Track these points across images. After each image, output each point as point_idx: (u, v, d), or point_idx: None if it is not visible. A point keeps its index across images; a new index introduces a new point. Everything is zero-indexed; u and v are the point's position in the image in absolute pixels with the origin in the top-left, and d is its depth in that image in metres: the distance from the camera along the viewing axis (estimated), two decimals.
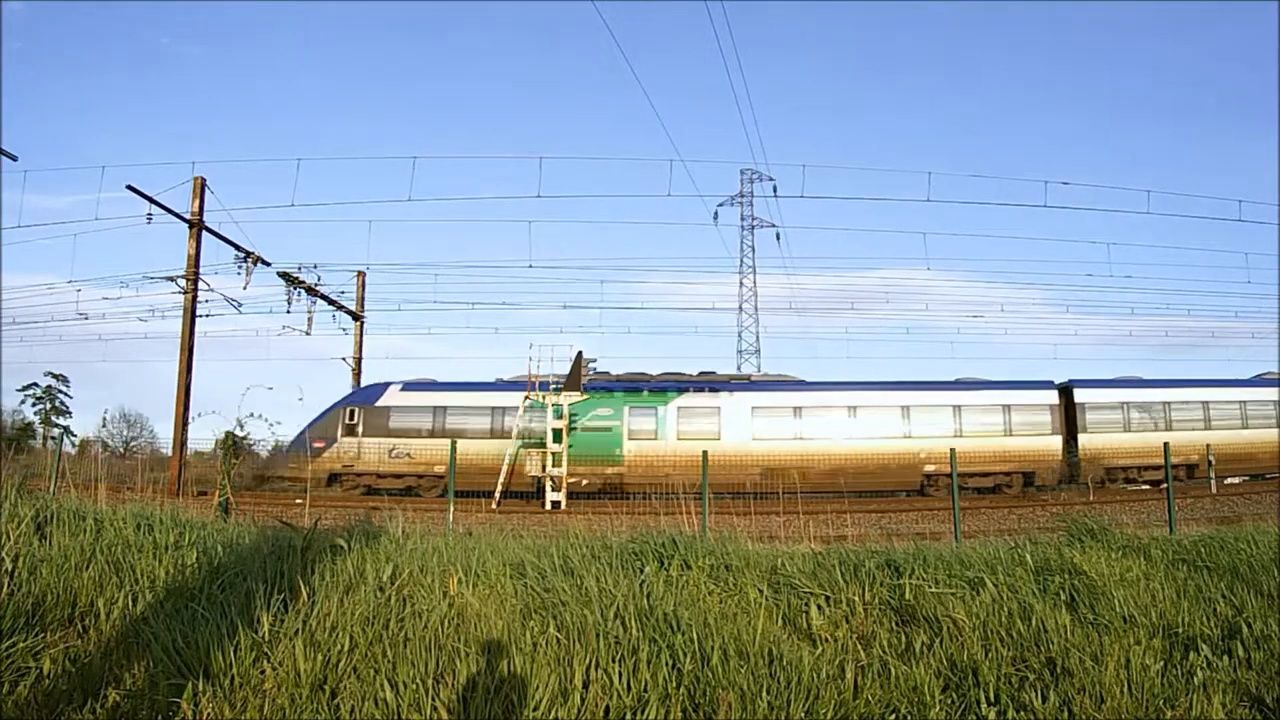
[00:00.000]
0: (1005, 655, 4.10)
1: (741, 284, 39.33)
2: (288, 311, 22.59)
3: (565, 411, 19.39)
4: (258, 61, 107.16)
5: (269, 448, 32.59)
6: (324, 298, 23.78)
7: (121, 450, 41.18)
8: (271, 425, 8.88)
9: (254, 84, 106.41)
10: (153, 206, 18.72)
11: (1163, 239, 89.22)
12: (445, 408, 20.92)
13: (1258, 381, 23.23)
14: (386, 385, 21.76)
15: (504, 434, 20.38)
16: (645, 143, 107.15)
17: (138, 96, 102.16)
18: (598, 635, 3.82)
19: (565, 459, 18.85)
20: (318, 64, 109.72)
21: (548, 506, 17.96)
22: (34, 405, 52.98)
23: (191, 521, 5.76)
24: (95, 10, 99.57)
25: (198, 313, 19.49)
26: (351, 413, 21.16)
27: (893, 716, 3.58)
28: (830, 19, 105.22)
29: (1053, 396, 21.81)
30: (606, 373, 22.21)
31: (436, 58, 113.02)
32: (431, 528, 6.90)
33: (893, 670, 3.87)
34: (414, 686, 3.37)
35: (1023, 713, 3.59)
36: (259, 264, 20.68)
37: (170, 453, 19.45)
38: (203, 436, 20.33)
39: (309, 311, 23.21)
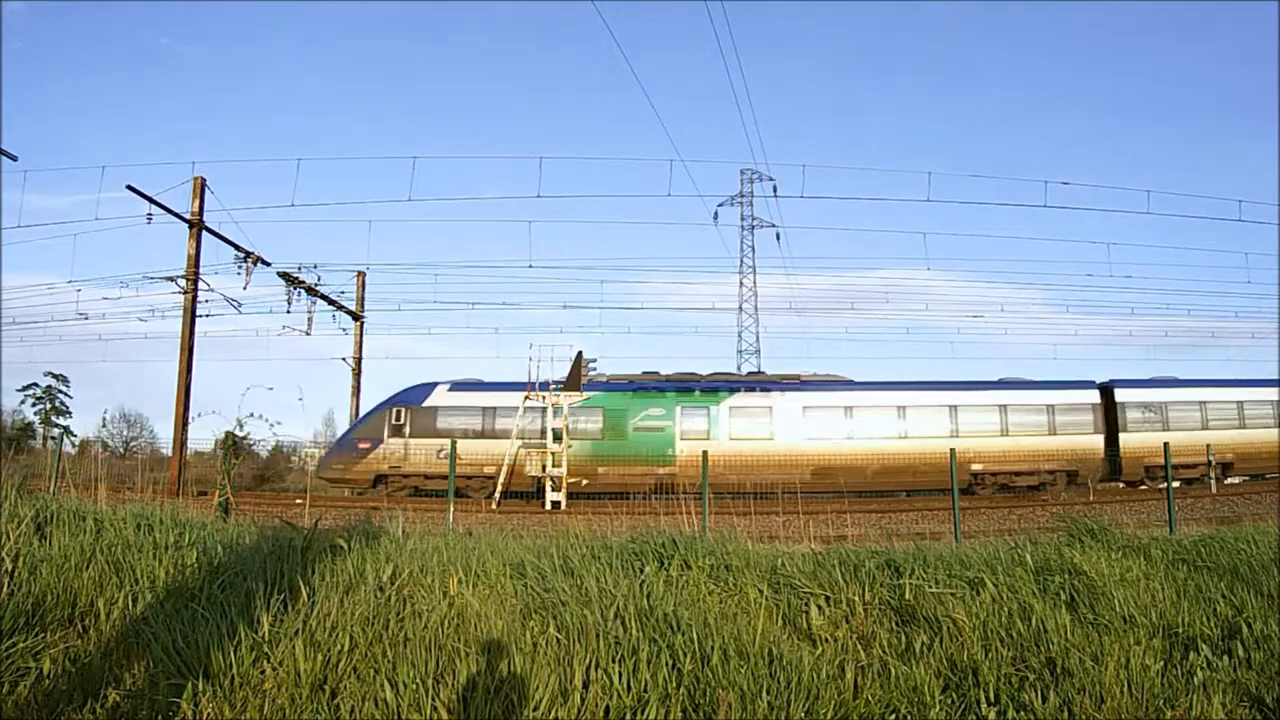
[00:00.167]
0: (1005, 655, 4.11)
1: (741, 284, 39.34)
2: (288, 311, 22.60)
3: (565, 411, 19.42)
4: (258, 61, 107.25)
5: (269, 448, 32.68)
6: (324, 298, 23.79)
7: (121, 450, 41.22)
8: (272, 425, 8.86)
9: (254, 84, 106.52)
10: (153, 206, 18.73)
11: (1163, 239, 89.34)
12: (495, 408, 20.70)
13: None
14: (433, 385, 21.51)
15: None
16: (645, 143, 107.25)
17: (138, 96, 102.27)
18: (598, 635, 3.82)
19: (565, 459, 18.86)
20: (318, 64, 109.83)
21: (548, 506, 17.97)
22: (34, 405, 53.02)
23: (191, 521, 5.75)
24: (95, 10, 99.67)
25: (198, 313, 19.50)
26: (398, 413, 20.96)
27: (893, 716, 3.58)
28: (830, 19, 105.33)
29: (1094, 396, 22.09)
30: (656, 372, 22.41)
31: (436, 58, 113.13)
32: (431, 528, 6.90)
33: (893, 670, 3.87)
34: (414, 686, 3.37)
35: (1023, 713, 3.59)
36: (259, 264, 20.69)
37: (170, 453, 19.46)
38: (203, 436, 20.40)
39: (309, 311, 23.24)
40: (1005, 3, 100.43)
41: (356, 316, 26.12)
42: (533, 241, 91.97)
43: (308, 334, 23.50)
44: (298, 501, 13.96)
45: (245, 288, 20.57)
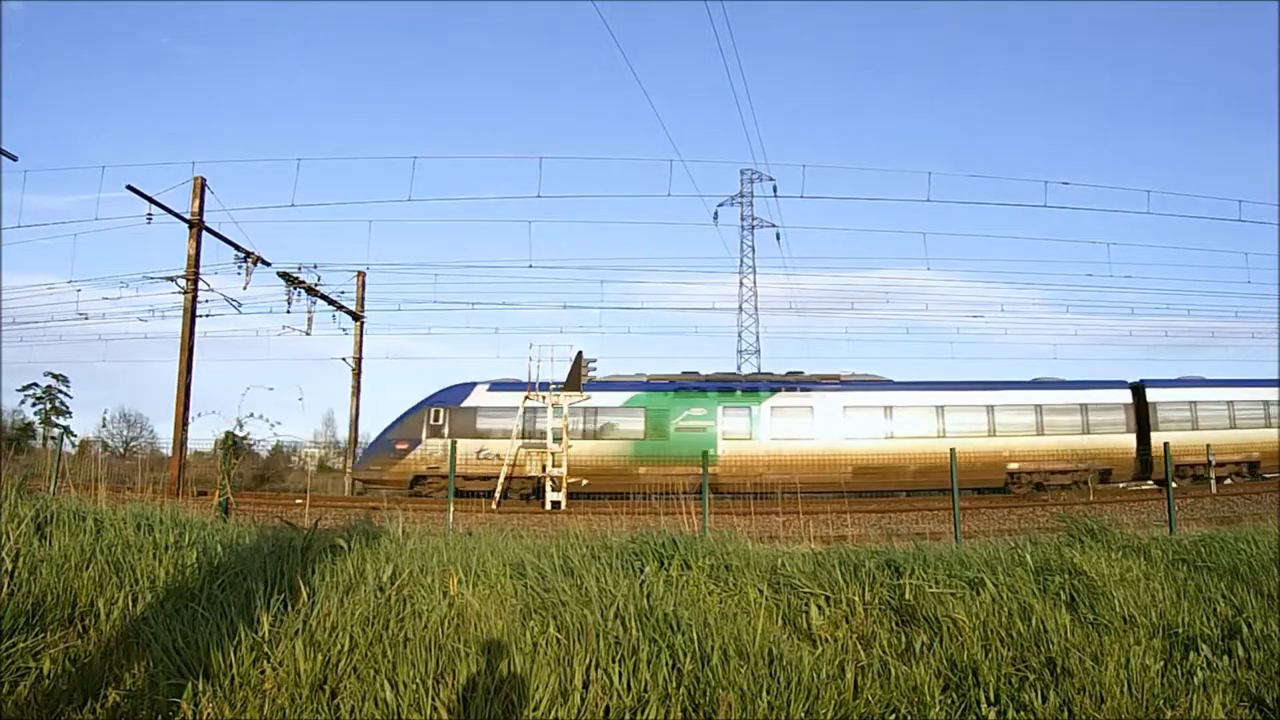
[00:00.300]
0: (1005, 655, 4.10)
1: (741, 284, 39.28)
2: (288, 311, 22.57)
3: (565, 412, 19.43)
4: (258, 61, 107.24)
5: (269, 448, 32.68)
6: (324, 298, 23.78)
7: (121, 450, 41.20)
8: (272, 425, 8.85)
9: (254, 84, 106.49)
10: (153, 206, 18.72)
11: (1163, 239, 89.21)
12: (535, 410, 20.66)
13: None
14: (472, 385, 21.47)
15: (597, 435, 20.56)
16: (645, 143, 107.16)
17: (138, 96, 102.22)
18: (598, 635, 3.82)
19: (565, 458, 18.87)
20: (318, 64, 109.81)
21: (548, 506, 17.97)
22: (34, 405, 53.00)
23: (191, 521, 5.75)
24: (95, 10, 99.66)
25: (198, 313, 19.49)
26: (437, 413, 20.92)
27: (893, 716, 3.58)
28: (830, 19, 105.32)
29: (1126, 396, 22.40)
30: (695, 372, 22.65)
31: (436, 58, 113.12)
32: (432, 528, 6.90)
33: (893, 670, 3.87)
34: (414, 686, 3.37)
35: (1023, 713, 3.59)
36: (259, 264, 20.67)
37: (170, 453, 19.46)
38: (203, 436, 20.43)
39: (309, 311, 23.21)
40: (1005, 3, 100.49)
41: (356, 316, 26.12)
42: (533, 241, 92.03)
43: (308, 334, 23.50)
44: (298, 501, 13.96)
45: (245, 288, 20.58)
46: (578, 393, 19.59)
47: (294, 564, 4.54)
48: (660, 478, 19.33)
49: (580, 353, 19.93)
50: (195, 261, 19.37)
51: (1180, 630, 4.48)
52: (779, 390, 21.69)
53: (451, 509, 10.62)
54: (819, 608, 4.69)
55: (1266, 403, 22.48)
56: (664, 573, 5.10)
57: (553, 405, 19.31)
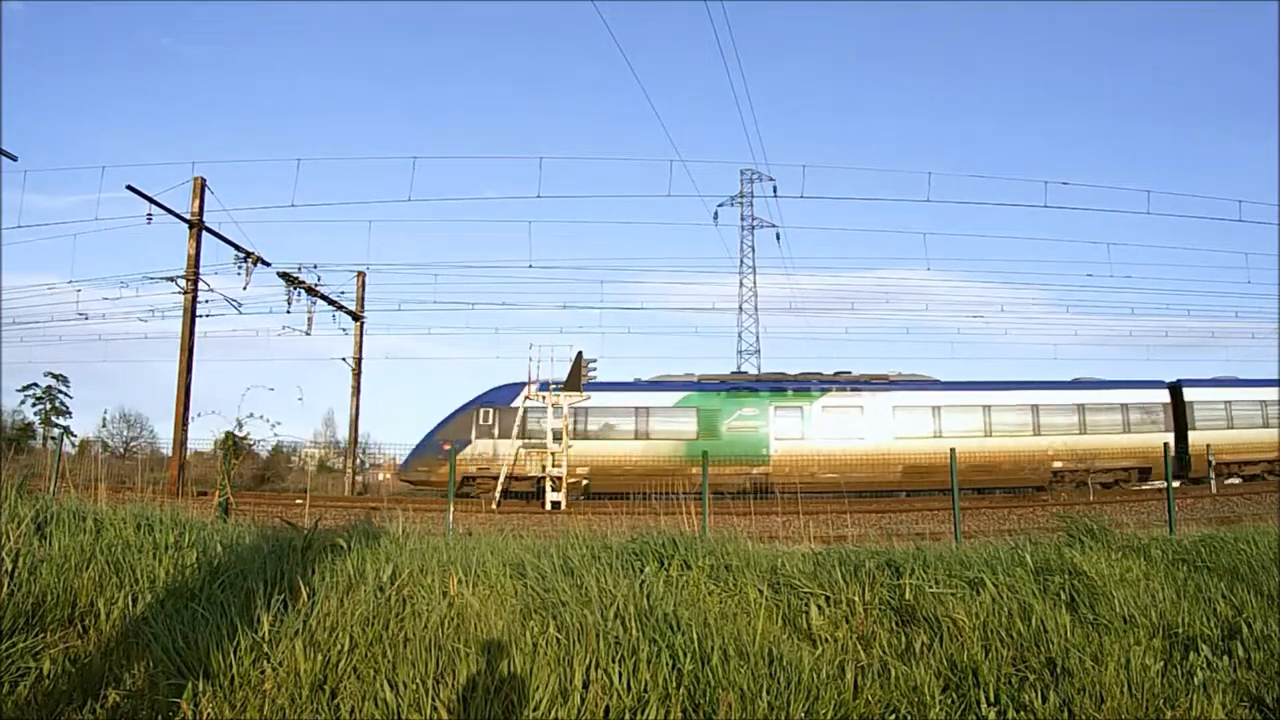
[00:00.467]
0: (1005, 655, 4.10)
1: (741, 284, 39.28)
2: (288, 312, 22.60)
3: (566, 412, 19.42)
4: (258, 61, 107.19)
5: (269, 448, 32.68)
6: (324, 298, 23.79)
7: (121, 450, 41.21)
8: (272, 425, 8.85)
9: (254, 84, 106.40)
10: (153, 206, 18.73)
11: (1162, 239, 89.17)
12: (587, 409, 20.71)
13: None
14: (521, 385, 21.25)
15: (647, 435, 20.57)
16: (645, 143, 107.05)
17: (138, 96, 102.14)
18: (598, 635, 3.82)
19: (565, 458, 18.87)
20: (318, 64, 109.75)
21: (548, 507, 17.97)
22: (34, 405, 52.97)
23: (191, 521, 5.75)
24: (95, 10, 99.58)
25: (198, 313, 19.51)
26: (486, 414, 20.92)
27: (893, 717, 3.57)
28: (830, 19, 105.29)
29: (1164, 395, 22.69)
30: (744, 373, 22.83)
31: (437, 58, 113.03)
32: (432, 528, 6.90)
33: (893, 670, 3.87)
34: (414, 686, 3.37)
35: (1023, 713, 3.59)
36: (259, 264, 20.68)
37: (170, 453, 19.46)
38: (203, 436, 20.35)
39: (309, 312, 23.23)
40: (1005, 3, 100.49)
41: (356, 316, 26.12)
42: (533, 241, 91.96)
43: (308, 334, 23.53)
44: (298, 501, 13.96)
45: (245, 288, 20.59)
46: (578, 393, 19.58)
47: (294, 564, 4.54)
48: (713, 478, 19.35)
49: (580, 353, 19.93)
50: (195, 261, 19.37)
51: (1180, 630, 4.48)
52: (829, 390, 21.84)
53: (451, 509, 10.63)
54: (819, 608, 4.69)
55: None
56: (664, 573, 5.10)
57: (553, 405, 19.26)
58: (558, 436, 19.11)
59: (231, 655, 3.44)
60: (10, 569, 4.18)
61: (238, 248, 20.38)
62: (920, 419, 21.59)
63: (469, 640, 3.76)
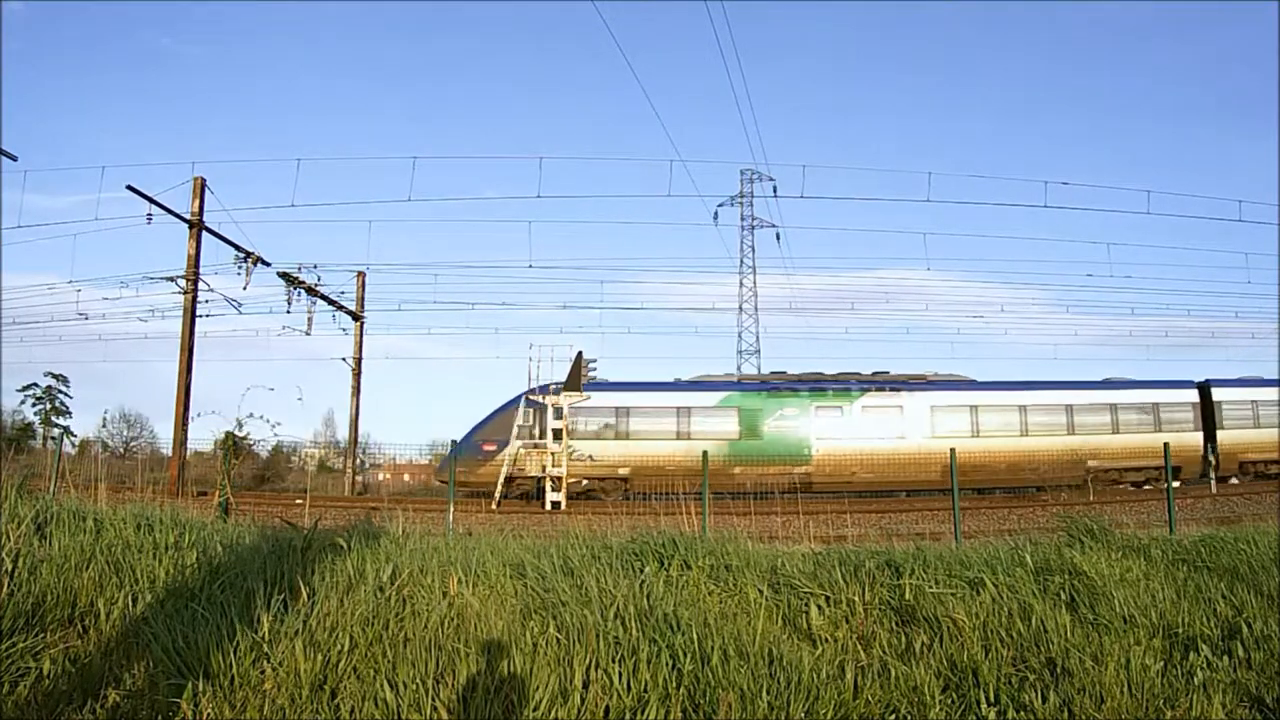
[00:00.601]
0: (1005, 655, 4.11)
1: (741, 284, 39.29)
2: (288, 312, 22.59)
3: (565, 412, 19.41)
4: (258, 61, 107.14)
5: (269, 448, 32.67)
6: (324, 298, 23.79)
7: (121, 450, 41.22)
8: (272, 425, 8.85)
9: (254, 84, 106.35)
10: (153, 206, 18.72)
11: (1162, 239, 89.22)
12: (628, 409, 20.61)
13: None
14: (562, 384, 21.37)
15: (689, 435, 20.48)
16: (645, 143, 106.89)
17: (138, 96, 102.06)
18: (598, 635, 3.82)
19: (565, 458, 18.86)
20: (318, 64, 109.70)
21: (548, 507, 17.97)
22: (34, 405, 53.00)
23: (191, 521, 5.75)
24: (95, 10, 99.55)
25: (198, 313, 19.49)
26: (527, 413, 20.70)
27: (893, 716, 3.58)
28: (830, 19, 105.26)
29: (1194, 395, 22.82)
30: (783, 372, 22.84)
31: (437, 58, 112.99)
32: (432, 528, 6.90)
33: (893, 670, 3.87)
34: (414, 686, 3.37)
35: (1023, 713, 3.59)
36: (259, 264, 20.67)
37: (170, 453, 19.45)
38: (203, 436, 20.35)
39: (309, 311, 23.23)
40: (1005, 3, 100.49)
41: (356, 316, 26.12)
42: (533, 241, 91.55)
43: (308, 334, 23.52)
44: (298, 502, 13.95)
45: (245, 288, 20.57)
46: (578, 393, 19.56)
47: (294, 564, 4.54)
48: (755, 478, 19.52)
49: (580, 353, 19.91)
50: (195, 262, 19.37)
51: (1180, 630, 4.48)
52: (869, 390, 21.89)
53: (451, 509, 10.62)
54: (819, 608, 4.69)
55: None
56: (664, 573, 5.10)
57: (553, 405, 19.26)
58: (558, 436, 19.09)
59: (231, 655, 3.44)
60: (10, 569, 4.18)
61: (238, 248, 20.39)
62: (958, 418, 21.68)
63: (469, 640, 3.76)
